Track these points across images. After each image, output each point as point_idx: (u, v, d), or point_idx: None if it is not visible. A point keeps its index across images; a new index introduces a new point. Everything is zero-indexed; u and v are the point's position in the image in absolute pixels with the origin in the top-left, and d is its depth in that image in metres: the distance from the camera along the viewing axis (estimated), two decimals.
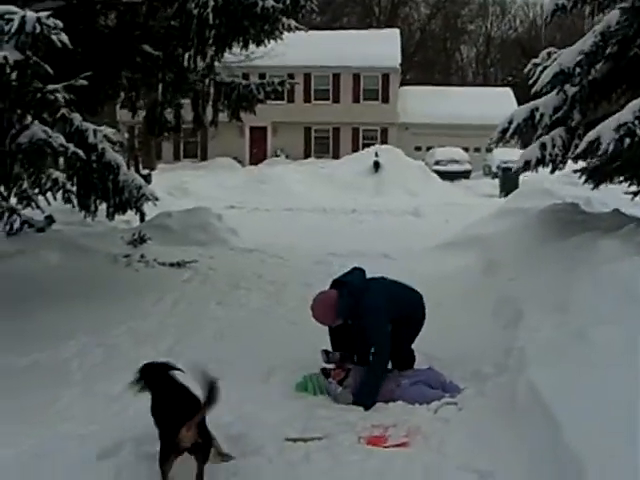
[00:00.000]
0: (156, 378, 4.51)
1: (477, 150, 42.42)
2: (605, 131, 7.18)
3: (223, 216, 14.88)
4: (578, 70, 8.38)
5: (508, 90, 47.66)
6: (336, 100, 44.95)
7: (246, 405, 5.32)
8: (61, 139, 6.64)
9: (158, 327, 7.60)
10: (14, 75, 5.57)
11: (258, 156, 42.82)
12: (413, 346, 6.17)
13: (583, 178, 10.36)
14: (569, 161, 9.60)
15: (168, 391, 4.41)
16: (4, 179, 7.59)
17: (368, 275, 6.17)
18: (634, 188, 10.96)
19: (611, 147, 6.94)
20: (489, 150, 35.98)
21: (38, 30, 5.74)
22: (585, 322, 5.08)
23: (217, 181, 26.65)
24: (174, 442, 3.93)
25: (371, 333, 5.78)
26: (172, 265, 10.55)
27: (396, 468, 4.36)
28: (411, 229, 16.06)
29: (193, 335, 7.32)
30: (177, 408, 4.14)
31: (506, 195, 21.60)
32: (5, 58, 5.45)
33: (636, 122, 6.79)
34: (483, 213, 14.55)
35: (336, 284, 6.10)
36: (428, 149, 42.28)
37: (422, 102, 45.32)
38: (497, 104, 39.95)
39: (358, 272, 6.15)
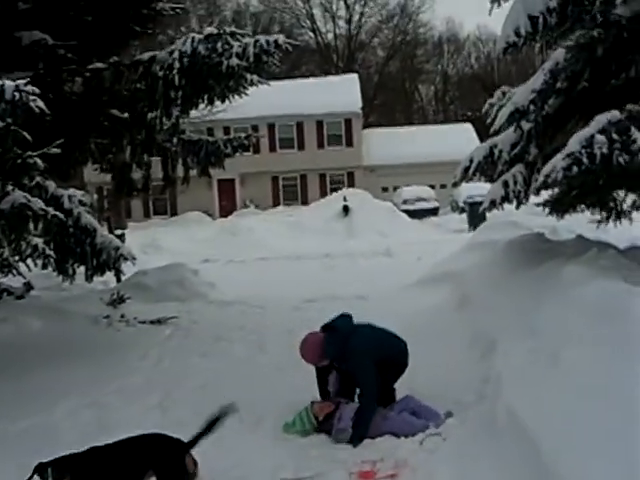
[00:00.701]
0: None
1: (443, 186, 43.05)
2: (557, 163, 7.55)
3: (199, 270, 15.07)
4: (532, 107, 8.76)
5: (468, 126, 48.69)
6: (301, 147, 45.60)
7: (239, 452, 5.52)
8: (40, 203, 6.86)
9: (145, 383, 7.72)
10: None
11: (227, 208, 43.11)
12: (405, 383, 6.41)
13: (547, 210, 10.72)
14: (532, 194, 9.98)
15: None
16: None
17: (356, 321, 6.44)
18: (598, 216, 11.42)
19: (559, 176, 7.28)
20: (455, 186, 36.56)
21: (17, 97, 5.99)
22: (556, 345, 5.34)
23: (189, 235, 26.81)
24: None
25: (357, 374, 6.03)
26: (153, 322, 10.69)
27: None
28: (384, 269, 16.33)
29: (180, 388, 7.45)
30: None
31: (474, 229, 22.02)
32: None
33: (582, 151, 7.14)
34: (453, 248, 14.87)
35: (325, 328, 6.35)
36: (395, 189, 42.82)
37: (385, 143, 46.10)
38: (459, 140, 40.82)
39: (345, 317, 6.45)
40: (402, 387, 6.39)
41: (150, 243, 24.31)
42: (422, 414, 5.93)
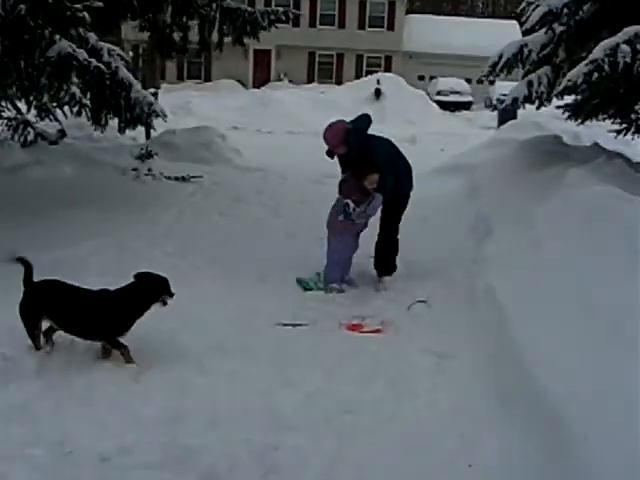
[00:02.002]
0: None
1: (480, 82, 42.43)
2: (581, 68, 7.80)
3: (227, 136, 15.47)
4: (565, 11, 8.91)
5: (514, 23, 47.46)
6: (341, 25, 44.83)
7: (247, 296, 6.14)
8: (84, 54, 7.27)
9: (166, 233, 8.31)
10: None
11: (261, 79, 42.96)
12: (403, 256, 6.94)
13: (566, 114, 10.95)
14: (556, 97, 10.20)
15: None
16: (29, 90, 8.19)
17: None
18: (618, 126, 11.61)
19: (579, 81, 7.56)
20: (491, 82, 36.17)
21: None
22: (542, 236, 5.85)
23: (220, 102, 27.04)
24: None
25: (382, 169, 6.42)
26: (177, 179, 11.22)
27: (369, 349, 5.20)
28: (407, 155, 16.58)
29: (197, 241, 8.05)
30: None
31: None
32: None
33: (605, 59, 7.39)
34: (477, 143, 15.15)
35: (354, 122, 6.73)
36: (431, 79, 42.35)
37: (428, 31, 45.18)
38: (503, 36, 39.79)
39: (366, 117, 6.77)
40: (399, 260, 6.92)
41: (181, 105, 24.60)
42: None
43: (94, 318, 4.71)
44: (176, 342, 5.07)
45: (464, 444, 3.83)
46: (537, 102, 10.15)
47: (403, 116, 26.74)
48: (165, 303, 4.83)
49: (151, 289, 4.79)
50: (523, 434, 3.71)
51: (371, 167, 6.42)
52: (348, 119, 6.88)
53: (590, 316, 4.31)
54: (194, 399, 4.27)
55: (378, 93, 28.69)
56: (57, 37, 6.97)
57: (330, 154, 6.73)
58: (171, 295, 4.84)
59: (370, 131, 6.76)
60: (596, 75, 7.59)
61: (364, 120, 6.74)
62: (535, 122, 16.23)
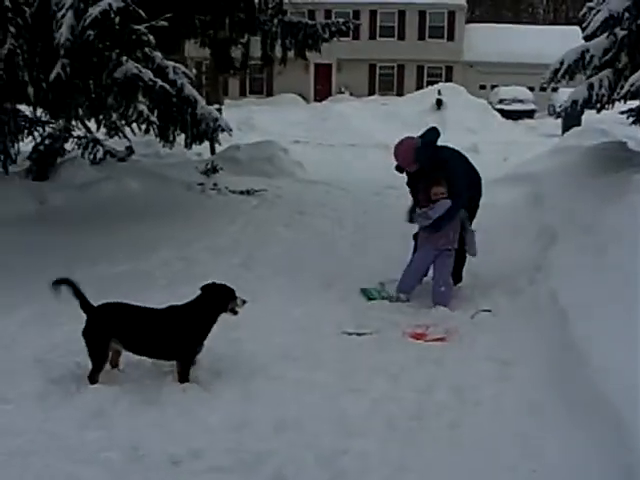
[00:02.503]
0: None
1: (543, 89, 41.84)
2: None
3: (289, 149, 15.67)
4: (627, 15, 8.81)
5: (576, 29, 46.74)
6: (401, 37, 44.86)
7: (310, 306, 6.27)
8: (150, 74, 7.53)
9: (231, 244, 8.49)
10: (117, 19, 6.43)
11: (322, 92, 43.23)
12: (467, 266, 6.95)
13: (631, 119, 10.79)
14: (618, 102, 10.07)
15: None
16: (98, 110, 8.50)
17: None
18: None
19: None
20: (554, 90, 35.71)
21: None
22: (606, 241, 5.80)
23: (282, 116, 27.31)
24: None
25: (453, 179, 6.45)
26: (242, 193, 11.45)
27: (433, 357, 5.24)
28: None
29: (262, 251, 8.21)
30: None
31: None
32: (110, 5, 6.31)
33: None
34: (540, 151, 15.01)
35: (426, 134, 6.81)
36: (493, 88, 41.99)
37: (488, 40, 44.80)
38: (565, 43, 39.17)
39: (434, 130, 6.82)
40: (468, 272, 6.93)
41: (244, 121, 24.92)
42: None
43: (168, 337, 4.73)
44: (243, 351, 5.20)
45: (528, 450, 3.84)
46: (598, 105, 10.02)
47: (465, 125, 26.56)
48: (235, 312, 4.89)
49: (218, 299, 4.87)
50: (587, 440, 3.71)
51: (438, 178, 6.46)
52: (416, 133, 6.95)
53: None
54: (261, 405, 4.37)
55: (439, 103, 28.59)
56: (124, 59, 7.24)
57: (399, 169, 6.79)
58: (243, 302, 4.91)
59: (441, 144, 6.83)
60: None
61: (432, 133, 6.80)
62: (599, 128, 16.02)
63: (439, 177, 6.47)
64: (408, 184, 6.98)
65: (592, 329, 4.60)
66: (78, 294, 4.71)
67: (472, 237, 6.65)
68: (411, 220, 6.77)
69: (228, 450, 3.83)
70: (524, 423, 4.11)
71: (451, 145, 6.97)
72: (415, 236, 6.95)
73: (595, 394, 3.90)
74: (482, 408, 4.38)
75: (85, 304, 4.72)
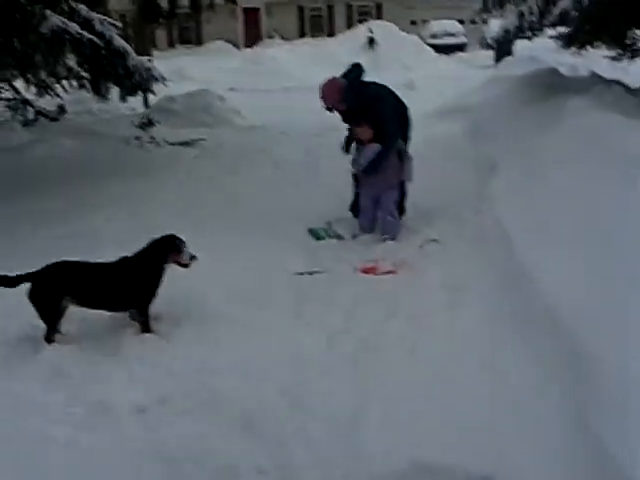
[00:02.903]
0: None
1: (473, 22, 41.99)
2: None
3: (225, 98, 15.48)
4: None
5: None
6: None
7: (261, 249, 6.30)
8: (77, 27, 7.32)
9: (175, 197, 8.40)
10: None
11: (252, 38, 42.61)
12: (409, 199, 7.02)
13: (560, 44, 10.93)
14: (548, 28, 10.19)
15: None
16: (26, 68, 8.27)
17: None
18: (613, 53, 11.58)
19: (570, 6, 7.57)
20: (484, 22, 35.81)
21: None
22: (546, 166, 5.93)
23: (214, 65, 26.91)
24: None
25: (382, 117, 6.49)
26: (181, 144, 11.32)
27: (385, 289, 5.35)
28: (406, 100, 16.56)
29: (207, 201, 8.15)
30: None
31: None
32: None
33: None
34: (475, 83, 15.10)
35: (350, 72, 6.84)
36: (424, 23, 41.94)
37: None
38: None
39: (357, 67, 6.86)
40: (410, 202, 7.01)
41: (176, 71, 24.41)
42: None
43: (125, 287, 4.72)
44: (197, 298, 5.20)
45: (484, 371, 3.96)
46: (529, 33, 10.13)
47: (398, 62, 26.56)
48: (185, 265, 4.90)
49: (166, 248, 4.87)
50: (540, 357, 3.84)
51: (361, 121, 6.50)
52: (339, 72, 6.95)
53: (596, 239, 4.40)
54: (219, 348, 4.42)
55: (371, 41, 28.49)
56: (48, 13, 7.02)
57: (329, 109, 6.79)
58: (192, 257, 4.91)
59: (367, 79, 6.84)
60: (587, 1, 7.61)
61: (356, 70, 6.82)
62: (531, 56, 16.17)
63: (362, 120, 6.50)
64: (344, 121, 6.98)
65: (537, 252, 4.72)
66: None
67: (409, 164, 6.67)
68: (347, 151, 6.83)
69: (192, 393, 3.89)
70: (480, 346, 4.23)
71: (378, 80, 6.99)
72: (355, 176, 7.02)
73: (543, 310, 4.03)
74: (437, 334, 4.50)
75: (14, 279, 4.64)
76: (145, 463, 3.35)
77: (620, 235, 4.19)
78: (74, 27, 7.38)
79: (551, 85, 10.33)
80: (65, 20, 7.26)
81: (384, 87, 6.90)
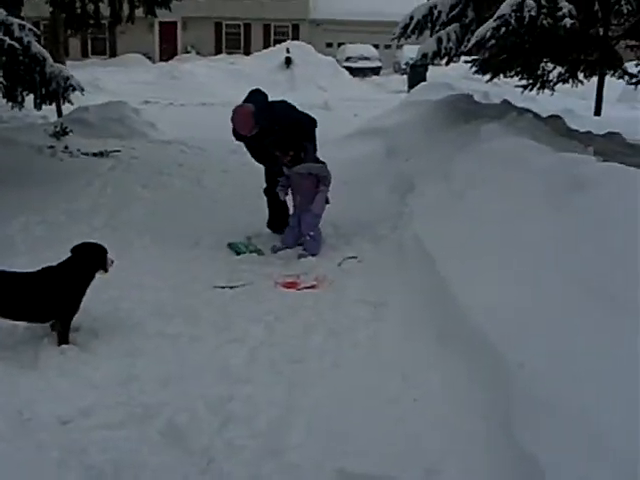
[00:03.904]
0: None
1: (388, 47, 42.77)
2: (489, 25, 8.11)
3: (140, 110, 15.32)
4: None
5: None
6: None
7: (181, 263, 6.26)
8: None
9: (91, 207, 8.24)
10: None
11: (168, 52, 42.21)
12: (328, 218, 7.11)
13: (474, 69, 11.31)
14: (463, 57, 10.54)
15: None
16: None
17: None
18: (524, 82, 12.08)
19: (488, 34, 7.87)
20: (399, 47, 36.60)
21: None
22: (462, 186, 6.13)
23: (129, 77, 26.63)
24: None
25: (300, 125, 6.77)
26: (95, 155, 11.10)
27: (307, 303, 5.40)
28: (321, 121, 16.69)
29: (124, 213, 8.04)
30: None
31: None
32: None
33: (512, 14, 7.73)
34: (389, 106, 15.41)
35: (250, 97, 7.03)
36: (339, 45, 42.54)
37: None
38: (408, 2, 40.29)
39: (258, 91, 7.13)
40: (327, 222, 7.09)
41: (90, 82, 23.97)
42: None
43: (46, 298, 4.61)
44: (117, 310, 5.15)
45: (407, 383, 4.04)
46: (446, 58, 10.44)
47: (314, 83, 26.92)
48: (106, 270, 4.87)
49: (93, 257, 4.81)
50: (463, 368, 3.96)
51: (278, 147, 6.68)
52: (267, 91, 7.11)
53: (511, 252, 4.60)
54: (143, 361, 4.37)
55: (288, 61, 28.77)
56: None
57: (240, 137, 6.95)
58: (111, 261, 4.88)
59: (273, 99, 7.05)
60: (503, 30, 7.91)
61: (259, 94, 7.08)
62: (445, 83, 16.65)
63: (279, 146, 6.67)
64: (248, 147, 7.13)
65: (456, 266, 4.89)
66: None
67: (323, 194, 6.78)
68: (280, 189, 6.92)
69: (117, 406, 3.82)
70: (403, 359, 4.32)
71: (290, 101, 7.28)
72: (265, 191, 7.22)
73: (465, 325, 4.16)
74: (360, 348, 4.57)
75: None
76: (69, 474, 3.28)
77: (535, 245, 4.39)
78: None
79: (466, 111, 10.66)
80: None
81: (287, 103, 7.15)
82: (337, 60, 34.84)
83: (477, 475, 3.17)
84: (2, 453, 3.43)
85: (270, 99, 7.13)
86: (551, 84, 12.29)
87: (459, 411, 3.63)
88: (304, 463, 3.36)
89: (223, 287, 5.75)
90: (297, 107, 7.20)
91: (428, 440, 3.46)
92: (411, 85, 26.57)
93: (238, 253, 6.71)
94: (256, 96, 6.98)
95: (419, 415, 3.70)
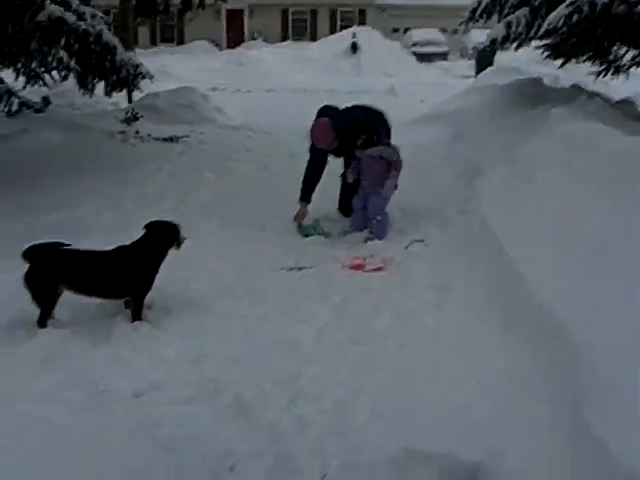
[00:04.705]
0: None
1: (455, 32, 42.30)
2: (561, 10, 7.96)
3: (209, 96, 15.51)
4: None
5: None
6: None
7: (249, 246, 6.37)
8: (73, 18, 7.32)
9: (160, 191, 8.44)
10: None
11: (235, 39, 42.51)
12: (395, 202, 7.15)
13: (545, 54, 11.11)
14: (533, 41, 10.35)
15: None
16: (18, 57, 8.23)
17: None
18: (597, 68, 11.80)
19: (561, 23, 7.73)
20: (466, 32, 36.12)
21: None
22: (532, 169, 6.06)
23: (197, 64, 26.94)
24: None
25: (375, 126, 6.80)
26: (165, 140, 11.33)
27: (373, 285, 5.44)
28: (387, 107, 16.65)
29: (193, 197, 8.21)
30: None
31: None
32: None
33: (584, 0, 7.57)
34: (456, 91, 15.29)
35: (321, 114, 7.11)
36: (405, 31, 42.19)
37: None
38: None
39: (327, 107, 7.19)
40: (394, 206, 7.10)
41: (159, 69, 24.32)
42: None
43: (121, 275, 4.77)
44: (188, 290, 5.29)
45: (472, 367, 4.04)
46: (515, 43, 10.28)
47: (380, 68, 26.78)
48: (179, 246, 5.00)
49: (165, 235, 4.95)
50: (527, 351, 3.95)
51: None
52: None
53: (580, 236, 4.54)
54: (213, 340, 4.48)
55: (354, 47, 28.69)
56: (47, 2, 7.02)
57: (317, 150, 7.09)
58: (183, 238, 5.02)
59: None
60: (576, 17, 7.76)
61: (330, 108, 7.16)
62: (514, 67, 16.39)
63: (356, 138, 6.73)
64: (337, 156, 7.29)
65: (524, 250, 4.85)
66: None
67: (394, 179, 6.79)
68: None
69: (188, 381, 3.94)
70: (468, 342, 4.33)
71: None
72: (342, 175, 7.23)
73: (535, 309, 4.12)
74: (425, 331, 4.59)
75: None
76: (140, 445, 3.39)
77: (605, 230, 4.34)
78: (70, 17, 7.38)
79: (533, 95, 10.51)
80: (62, 9, 7.26)
81: (362, 107, 7.26)
82: (403, 46, 34.58)
83: (541, 458, 3.15)
84: (77, 424, 3.58)
85: (341, 107, 7.25)
86: (624, 68, 11.97)
87: (523, 394, 3.62)
88: (368, 443, 3.40)
89: (291, 269, 5.83)
90: (368, 106, 7.29)
91: (492, 422, 3.46)
92: (479, 70, 26.16)
93: (307, 235, 6.79)
94: (327, 111, 7.08)
95: (483, 398, 3.70)
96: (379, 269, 5.81)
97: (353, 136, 6.71)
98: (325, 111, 7.10)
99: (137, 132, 11.49)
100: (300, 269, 5.83)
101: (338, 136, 6.83)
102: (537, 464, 3.12)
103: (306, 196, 7.08)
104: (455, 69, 31.21)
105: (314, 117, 7.15)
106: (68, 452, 3.40)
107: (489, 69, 18.31)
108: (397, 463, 3.27)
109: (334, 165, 7.27)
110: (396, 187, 6.81)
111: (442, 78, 27.36)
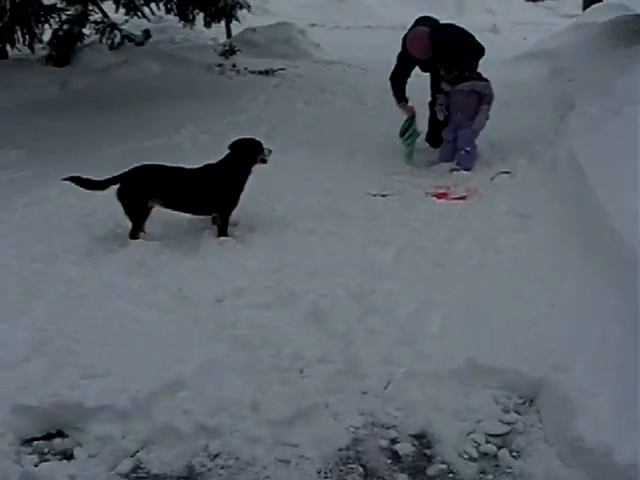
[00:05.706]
0: None
1: None
2: None
3: (306, 32, 15.52)
4: None
5: None
6: None
7: (336, 172, 6.51)
8: None
9: (254, 120, 8.63)
10: None
11: None
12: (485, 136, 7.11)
13: None
14: None
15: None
16: None
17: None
18: None
19: None
20: None
21: None
22: (622, 105, 5.93)
23: (297, 1, 26.77)
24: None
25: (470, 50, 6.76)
26: (261, 73, 11.48)
27: (455, 212, 5.51)
28: (489, 46, 16.29)
29: (285, 126, 8.35)
30: None
31: None
32: None
33: None
34: (559, 29, 14.81)
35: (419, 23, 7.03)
36: None
37: None
38: None
39: (427, 18, 7.08)
40: (483, 139, 7.06)
41: (258, 5, 24.44)
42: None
43: (209, 192, 4.98)
44: (273, 210, 5.50)
45: (545, 288, 4.11)
46: None
47: (483, 6, 25.98)
48: (265, 161, 5.18)
49: (248, 151, 5.13)
50: (601, 275, 3.97)
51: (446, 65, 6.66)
52: (433, 14, 7.11)
53: None
54: (294, 254, 4.69)
55: None
56: None
57: (415, 62, 7.00)
58: (269, 151, 5.20)
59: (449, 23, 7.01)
60: None
61: (428, 20, 7.01)
62: (620, 4, 15.64)
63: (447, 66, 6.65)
64: (424, 70, 7.19)
65: (608, 182, 4.79)
66: (86, 184, 5.00)
67: (485, 112, 6.74)
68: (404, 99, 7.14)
69: (267, 289, 4.16)
70: (543, 266, 4.38)
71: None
72: (430, 104, 7.22)
73: (611, 237, 4.10)
74: (502, 254, 4.66)
75: (103, 182, 4.96)
76: (219, 344, 3.63)
77: None
78: None
79: (637, 32, 10.09)
80: None
81: (461, 29, 7.07)
82: None
83: (605, 375, 3.19)
84: (162, 322, 3.86)
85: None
86: None
87: (593, 315, 3.66)
88: (435, 354, 3.54)
89: (375, 195, 5.93)
90: (466, 30, 7.17)
91: (559, 341, 3.52)
92: (586, 7, 25.17)
93: (403, 133, 6.96)
94: (425, 21, 6.98)
95: (553, 318, 3.77)
96: (462, 198, 5.85)
97: (445, 70, 6.65)
98: (424, 20, 7.02)
99: (234, 65, 11.67)
100: (384, 195, 5.93)
101: (433, 48, 6.74)
102: (599, 382, 3.16)
103: (402, 97, 7.15)
104: (561, 7, 29.88)
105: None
106: (150, 344, 3.66)
107: (595, 6, 17.55)
108: (460, 374, 3.39)
109: (417, 100, 7.24)
110: (487, 118, 6.77)
111: (547, 17, 26.37)
